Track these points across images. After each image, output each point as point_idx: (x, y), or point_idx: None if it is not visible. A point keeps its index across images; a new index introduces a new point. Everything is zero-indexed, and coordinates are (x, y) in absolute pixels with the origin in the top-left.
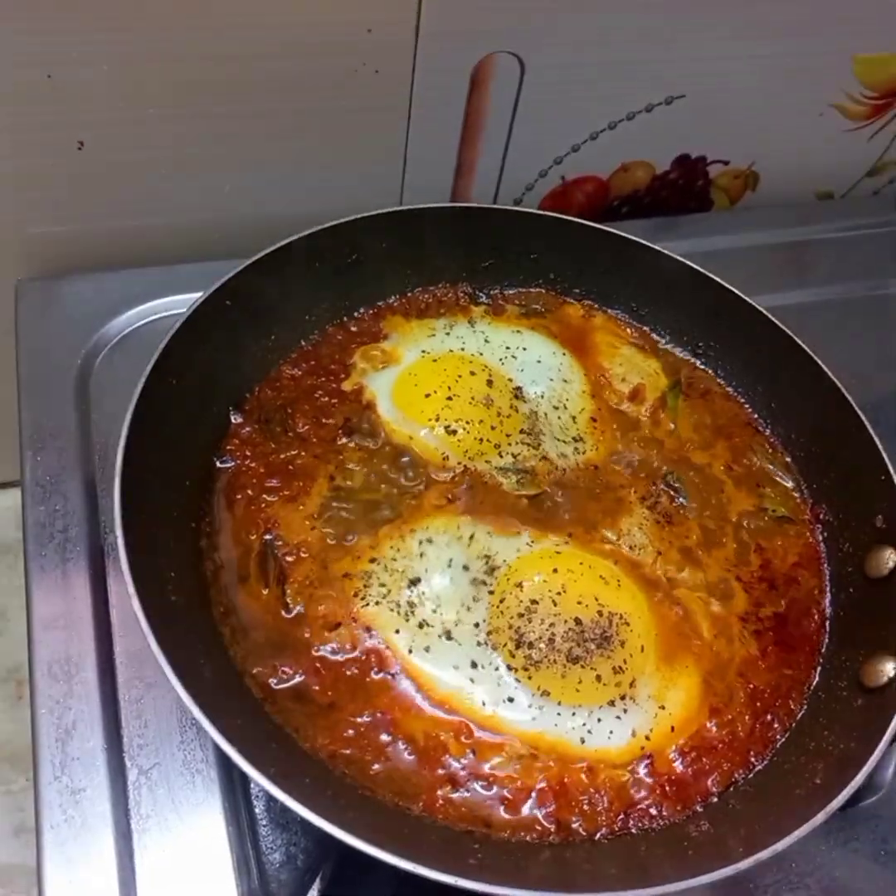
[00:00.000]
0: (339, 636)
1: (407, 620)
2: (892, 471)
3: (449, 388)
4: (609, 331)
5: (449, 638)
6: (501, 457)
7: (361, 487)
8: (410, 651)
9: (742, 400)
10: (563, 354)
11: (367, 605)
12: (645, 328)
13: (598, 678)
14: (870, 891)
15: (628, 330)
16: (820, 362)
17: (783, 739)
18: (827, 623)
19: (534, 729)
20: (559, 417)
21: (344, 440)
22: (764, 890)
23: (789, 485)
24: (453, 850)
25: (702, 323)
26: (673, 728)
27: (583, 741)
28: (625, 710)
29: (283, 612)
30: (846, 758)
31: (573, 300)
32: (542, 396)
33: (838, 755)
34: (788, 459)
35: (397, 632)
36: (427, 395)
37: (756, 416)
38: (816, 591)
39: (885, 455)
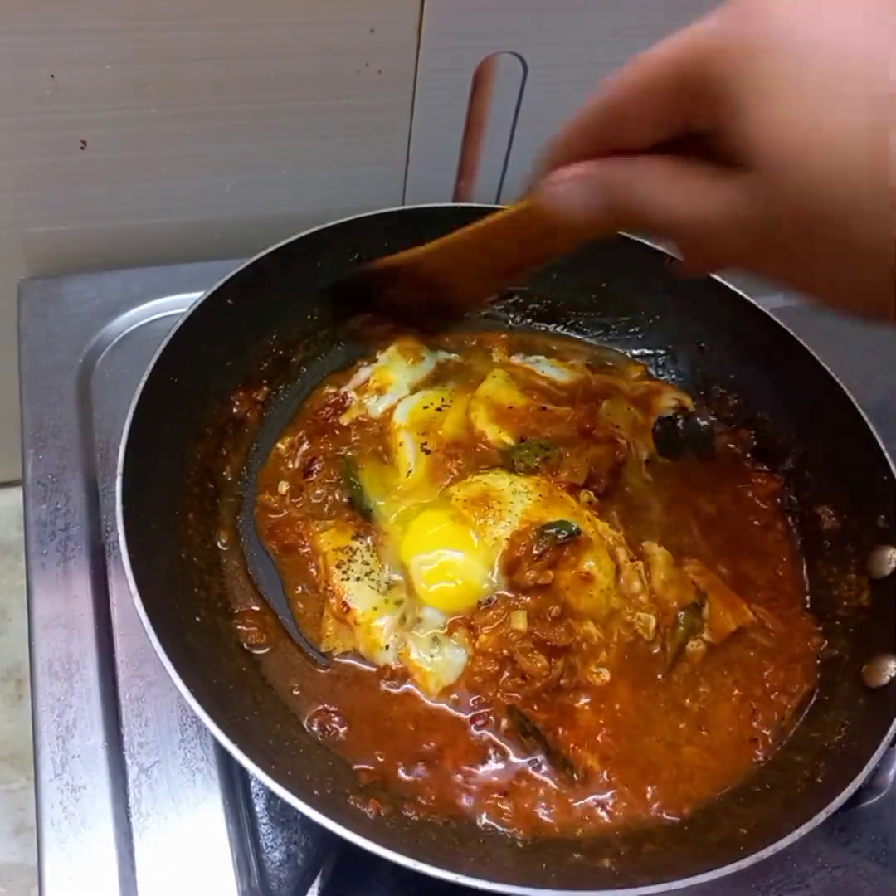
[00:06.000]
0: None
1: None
2: (894, 471)
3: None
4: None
5: None
6: None
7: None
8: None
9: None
10: None
11: (348, 579)
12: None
13: None
14: (870, 891)
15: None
16: (823, 363)
17: (785, 740)
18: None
19: None
20: None
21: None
22: (765, 889)
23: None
24: (452, 847)
25: (704, 323)
26: None
27: None
28: None
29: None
30: (847, 757)
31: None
32: None
33: (840, 755)
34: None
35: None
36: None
37: (759, 415)
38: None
39: (887, 455)
